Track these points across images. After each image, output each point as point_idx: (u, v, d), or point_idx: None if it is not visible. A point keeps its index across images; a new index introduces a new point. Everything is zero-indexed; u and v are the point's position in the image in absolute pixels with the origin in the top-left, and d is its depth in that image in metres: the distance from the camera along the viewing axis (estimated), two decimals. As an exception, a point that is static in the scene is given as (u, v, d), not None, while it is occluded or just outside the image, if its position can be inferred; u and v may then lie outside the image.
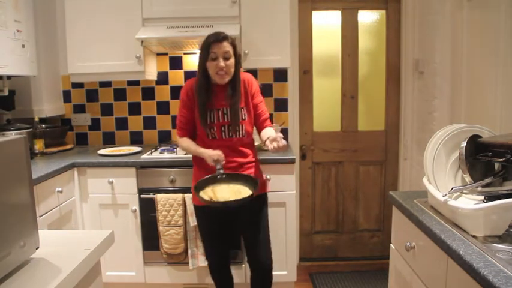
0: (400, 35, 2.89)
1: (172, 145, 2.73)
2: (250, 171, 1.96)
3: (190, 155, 2.46)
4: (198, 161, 1.98)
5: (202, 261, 2.37)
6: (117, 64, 2.58)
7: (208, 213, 2.00)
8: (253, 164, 2.00)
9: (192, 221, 2.31)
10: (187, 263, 2.38)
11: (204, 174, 1.88)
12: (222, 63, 1.81)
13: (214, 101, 1.89)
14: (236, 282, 2.28)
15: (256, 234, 2.00)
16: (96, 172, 2.42)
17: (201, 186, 1.81)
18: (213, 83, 1.90)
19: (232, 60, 1.85)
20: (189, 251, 2.37)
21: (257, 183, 1.79)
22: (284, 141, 1.72)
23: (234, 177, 1.84)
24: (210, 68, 1.84)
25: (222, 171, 1.80)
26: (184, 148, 1.98)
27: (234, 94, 1.88)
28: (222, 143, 1.90)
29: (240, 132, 1.92)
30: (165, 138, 3.01)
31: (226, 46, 1.82)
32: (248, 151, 1.99)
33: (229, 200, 1.72)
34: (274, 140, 1.72)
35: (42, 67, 2.63)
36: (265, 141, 1.79)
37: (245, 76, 1.98)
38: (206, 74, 1.87)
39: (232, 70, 1.86)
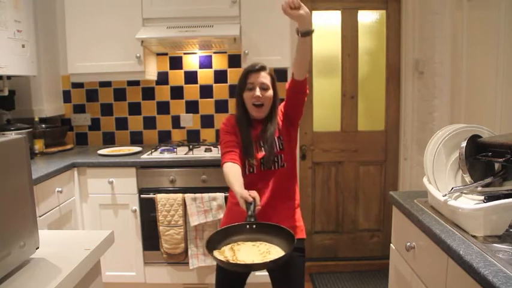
0: (400, 35, 2.89)
1: (172, 145, 2.73)
2: (291, 214, 1.74)
3: (189, 155, 2.48)
4: (230, 199, 1.78)
5: (202, 261, 2.37)
6: (117, 64, 2.58)
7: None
8: (295, 207, 1.77)
9: (192, 221, 2.31)
10: (187, 263, 2.38)
11: (230, 218, 1.66)
12: (258, 92, 1.68)
13: (253, 134, 1.74)
14: None
15: None
16: (96, 172, 2.42)
17: (217, 241, 1.36)
18: (252, 118, 1.76)
19: (270, 92, 1.71)
20: (189, 251, 2.37)
21: (294, 240, 1.33)
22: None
23: (265, 228, 1.39)
24: (246, 99, 1.72)
25: (253, 219, 1.37)
26: (226, 176, 1.58)
27: (270, 126, 1.72)
28: (260, 176, 1.69)
29: (279, 163, 1.71)
30: (165, 138, 3.00)
31: (264, 76, 1.71)
32: (289, 183, 1.75)
33: (254, 262, 1.26)
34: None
35: (42, 67, 2.63)
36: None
37: (281, 106, 1.80)
38: (244, 107, 1.74)
39: (270, 103, 1.72)
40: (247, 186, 1.53)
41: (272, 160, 1.69)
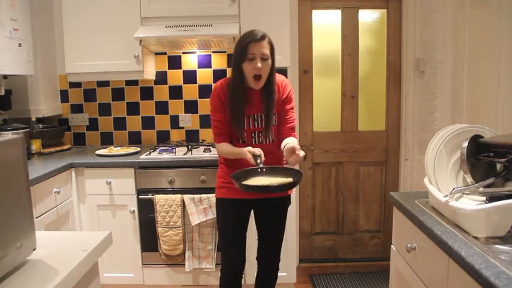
0: (401, 34, 2.88)
1: (171, 145, 2.71)
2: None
3: (188, 156, 2.47)
4: (231, 161, 1.88)
5: (196, 264, 2.36)
6: (115, 63, 2.56)
7: (233, 206, 1.88)
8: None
9: (193, 220, 2.29)
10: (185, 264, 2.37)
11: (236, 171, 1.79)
12: (259, 63, 1.69)
13: (247, 107, 1.79)
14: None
15: (274, 235, 1.96)
16: (94, 172, 2.41)
17: (239, 177, 1.68)
18: (247, 86, 1.79)
19: (269, 62, 1.73)
20: (186, 254, 2.35)
21: (301, 174, 1.65)
22: (302, 152, 1.63)
23: (274, 171, 1.71)
24: (246, 69, 1.72)
25: (261, 165, 1.68)
26: (226, 153, 1.86)
27: (269, 100, 1.77)
28: (252, 146, 1.79)
29: (270, 138, 1.84)
30: (163, 139, 2.99)
31: (265, 46, 1.71)
32: (278, 154, 1.85)
33: (271, 184, 1.60)
34: (292, 151, 1.61)
35: (39, 66, 2.61)
36: (283, 150, 1.69)
37: (279, 79, 1.86)
38: (241, 76, 1.75)
39: (267, 73, 1.75)
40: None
41: (265, 135, 1.80)
